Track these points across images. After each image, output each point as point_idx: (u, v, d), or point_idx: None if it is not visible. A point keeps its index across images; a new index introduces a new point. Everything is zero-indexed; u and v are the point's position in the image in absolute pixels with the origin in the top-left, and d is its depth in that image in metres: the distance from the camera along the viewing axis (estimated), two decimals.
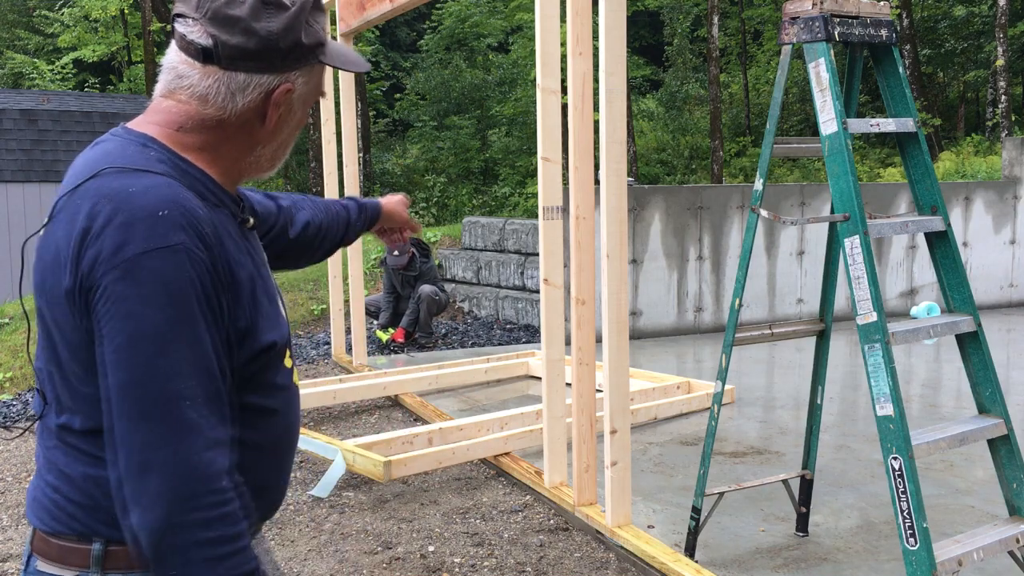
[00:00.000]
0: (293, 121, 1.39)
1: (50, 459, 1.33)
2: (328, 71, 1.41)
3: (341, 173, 7.04)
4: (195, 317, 1.20)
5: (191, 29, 1.28)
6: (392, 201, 2.09)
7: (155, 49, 21.07)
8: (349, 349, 7.64)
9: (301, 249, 1.85)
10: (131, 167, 1.25)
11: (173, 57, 1.32)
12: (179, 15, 1.30)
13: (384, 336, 8.20)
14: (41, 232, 1.28)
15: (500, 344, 8.52)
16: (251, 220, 1.41)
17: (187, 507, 1.17)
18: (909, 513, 2.66)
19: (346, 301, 7.85)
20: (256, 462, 1.37)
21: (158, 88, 1.35)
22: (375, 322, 8.60)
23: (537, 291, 8.78)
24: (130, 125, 1.34)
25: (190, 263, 1.20)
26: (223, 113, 1.31)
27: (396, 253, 8.02)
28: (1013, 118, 17.01)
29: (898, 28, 17.88)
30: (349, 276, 7.23)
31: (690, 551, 3.53)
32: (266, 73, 1.31)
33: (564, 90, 3.92)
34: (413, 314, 8.19)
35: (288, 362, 1.43)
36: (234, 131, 1.33)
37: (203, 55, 1.28)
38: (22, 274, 1.34)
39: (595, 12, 3.57)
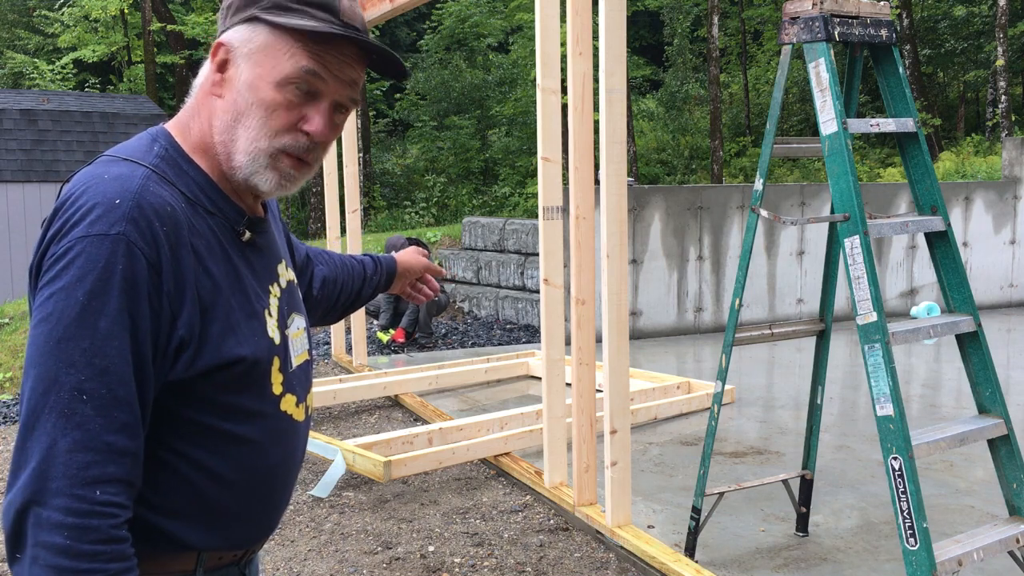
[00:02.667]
0: (239, 83, 1.28)
1: None
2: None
3: (341, 173, 7.05)
4: (115, 312, 1.15)
5: None
6: (406, 254, 2.02)
7: (155, 49, 21.09)
8: (349, 349, 7.64)
9: (321, 307, 1.78)
10: (122, 157, 1.25)
11: None
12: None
13: (384, 336, 8.21)
14: None
15: (500, 344, 8.52)
16: (247, 232, 1.35)
17: (45, 503, 1.11)
18: (909, 513, 2.66)
19: None
20: (222, 492, 1.30)
21: None
22: (375, 322, 8.60)
23: (537, 291, 8.78)
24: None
25: (125, 256, 1.15)
26: (197, 91, 1.33)
27: (394, 253, 8.01)
28: (1013, 118, 17.01)
29: (898, 28, 17.88)
30: None
31: (690, 551, 3.53)
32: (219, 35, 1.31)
33: (564, 90, 3.92)
34: (413, 314, 8.19)
35: (276, 388, 1.34)
36: (202, 104, 1.33)
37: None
38: None
39: (595, 12, 3.57)
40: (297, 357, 1.41)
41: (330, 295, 1.80)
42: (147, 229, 1.18)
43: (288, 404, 1.37)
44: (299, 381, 1.41)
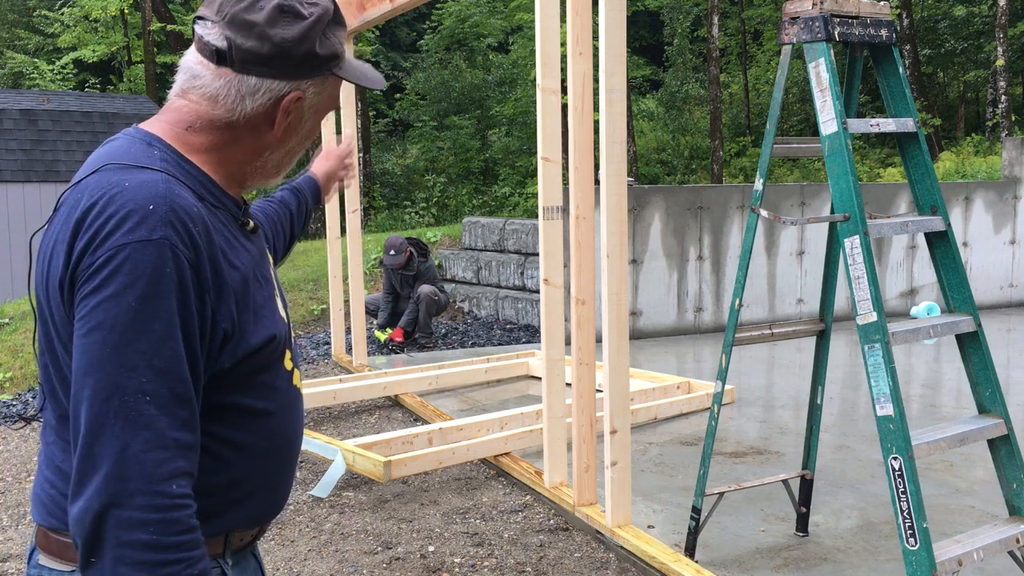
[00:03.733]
0: (303, 130, 1.41)
1: (49, 455, 1.35)
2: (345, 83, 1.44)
3: None
4: (168, 313, 1.20)
5: (209, 31, 1.32)
6: (319, 164, 2.15)
7: (155, 49, 21.09)
8: (349, 349, 7.64)
9: None
10: (131, 163, 1.28)
11: (190, 58, 1.36)
12: (200, 18, 1.34)
13: (382, 336, 8.20)
14: (45, 227, 1.31)
15: (500, 344, 8.52)
16: (251, 223, 1.43)
17: (125, 504, 1.15)
18: (909, 513, 2.66)
19: (346, 301, 7.85)
20: (248, 465, 1.37)
21: (173, 88, 1.38)
22: (375, 321, 8.60)
23: (537, 291, 8.78)
24: (143, 124, 1.37)
25: (171, 259, 1.20)
26: (232, 115, 1.34)
27: (392, 253, 8.02)
28: (1013, 118, 17.02)
29: (898, 28, 17.88)
30: (349, 276, 7.23)
31: (690, 551, 3.53)
32: (277, 79, 1.33)
33: (564, 90, 3.92)
34: (412, 314, 8.19)
35: (288, 364, 1.43)
36: (242, 134, 1.36)
37: (217, 56, 1.32)
38: (30, 268, 1.33)
39: (595, 12, 3.57)
40: (292, 333, 1.51)
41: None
42: (184, 232, 1.23)
43: (295, 377, 1.47)
44: (296, 355, 1.51)
